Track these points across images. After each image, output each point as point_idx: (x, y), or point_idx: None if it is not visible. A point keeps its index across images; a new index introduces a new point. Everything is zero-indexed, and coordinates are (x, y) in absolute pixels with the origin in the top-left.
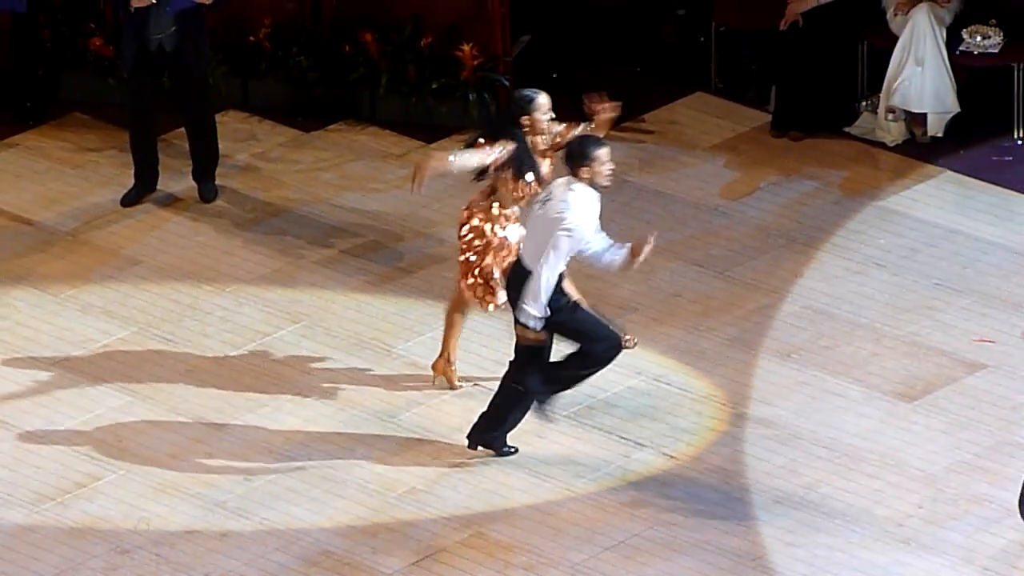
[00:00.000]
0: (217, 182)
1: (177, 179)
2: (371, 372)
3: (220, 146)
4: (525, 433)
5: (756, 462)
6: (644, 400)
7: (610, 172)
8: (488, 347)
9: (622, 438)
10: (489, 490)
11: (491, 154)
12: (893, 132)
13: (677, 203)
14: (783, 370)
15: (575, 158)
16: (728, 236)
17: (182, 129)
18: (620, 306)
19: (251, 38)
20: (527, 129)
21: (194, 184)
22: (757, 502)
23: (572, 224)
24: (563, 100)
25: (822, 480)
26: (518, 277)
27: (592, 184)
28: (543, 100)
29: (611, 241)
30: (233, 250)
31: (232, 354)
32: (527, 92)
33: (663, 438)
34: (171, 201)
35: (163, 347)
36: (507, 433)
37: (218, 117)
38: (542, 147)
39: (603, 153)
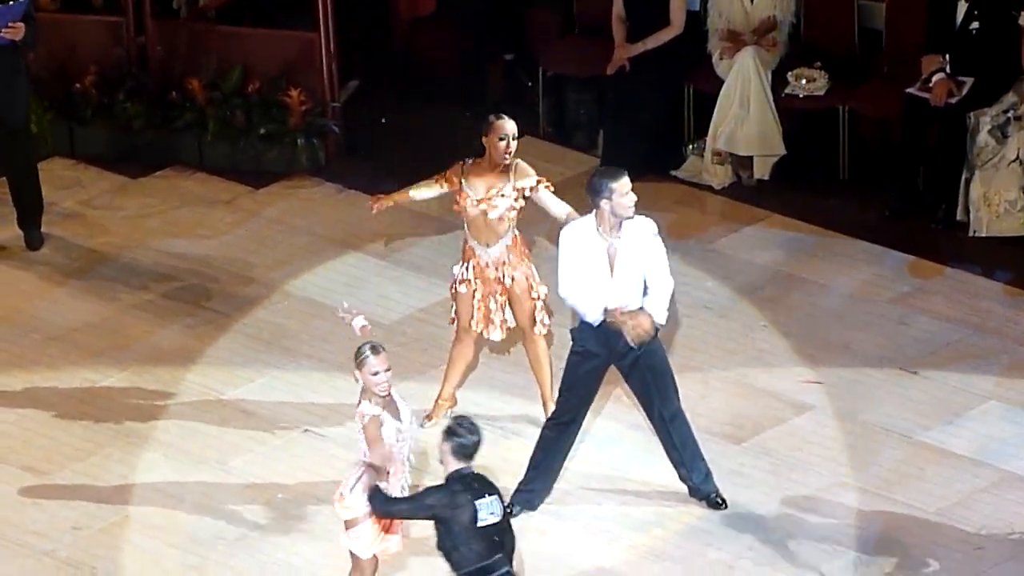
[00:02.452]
0: (43, 230)
1: (1, 226)
2: (201, 419)
3: (45, 193)
4: None
5: (586, 505)
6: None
7: (631, 203)
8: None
9: None
10: (322, 538)
11: (444, 183)
12: (719, 175)
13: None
14: (599, 412)
15: (593, 192)
16: (555, 279)
17: (4, 177)
18: None
19: (77, 85)
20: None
21: (19, 232)
22: (591, 543)
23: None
24: (392, 145)
25: (652, 522)
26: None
27: (615, 215)
28: (503, 123)
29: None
30: (59, 298)
31: (60, 403)
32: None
33: None
34: None
35: None
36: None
37: (44, 164)
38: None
39: (620, 184)
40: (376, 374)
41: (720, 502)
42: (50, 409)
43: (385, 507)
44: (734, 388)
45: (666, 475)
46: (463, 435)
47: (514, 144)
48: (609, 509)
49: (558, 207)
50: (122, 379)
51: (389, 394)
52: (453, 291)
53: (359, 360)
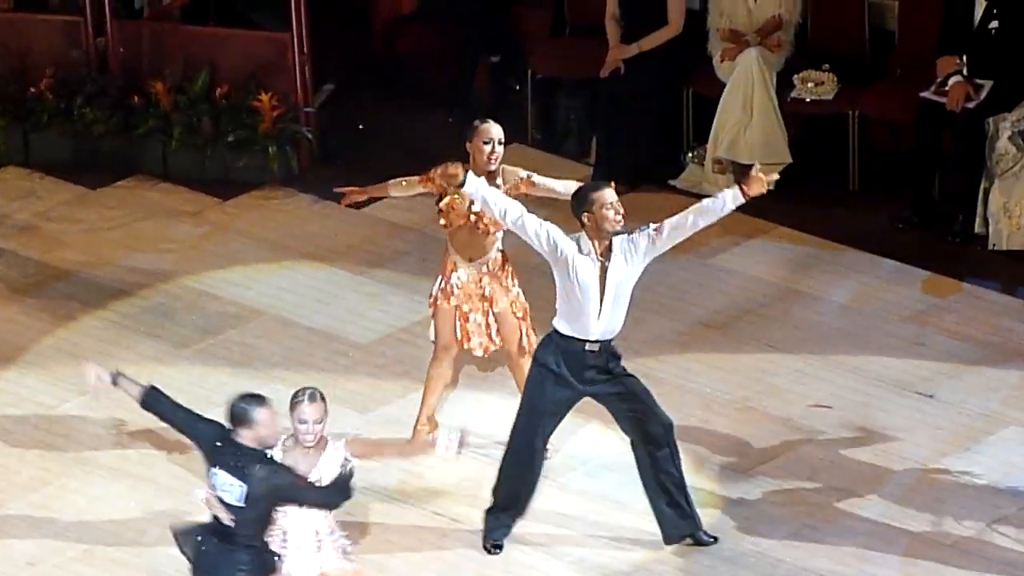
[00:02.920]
0: None
1: None
2: (165, 446)
3: None
4: None
5: (585, 538)
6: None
7: (616, 217)
8: None
9: None
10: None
11: (429, 185)
12: (721, 185)
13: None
14: (612, 439)
15: (577, 203)
16: (545, 296)
17: None
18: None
19: (32, 89)
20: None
21: None
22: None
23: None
24: (369, 153)
25: (651, 557)
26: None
27: (600, 230)
28: (487, 127)
29: None
30: (13, 317)
31: (13, 429)
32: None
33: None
34: None
35: None
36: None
37: None
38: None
39: (602, 195)
40: (303, 423)
41: (709, 538)
42: (3, 436)
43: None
44: (737, 413)
45: None
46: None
47: (500, 149)
48: (604, 544)
49: (561, 185)
50: (81, 404)
51: (313, 446)
52: (433, 307)
53: (292, 402)
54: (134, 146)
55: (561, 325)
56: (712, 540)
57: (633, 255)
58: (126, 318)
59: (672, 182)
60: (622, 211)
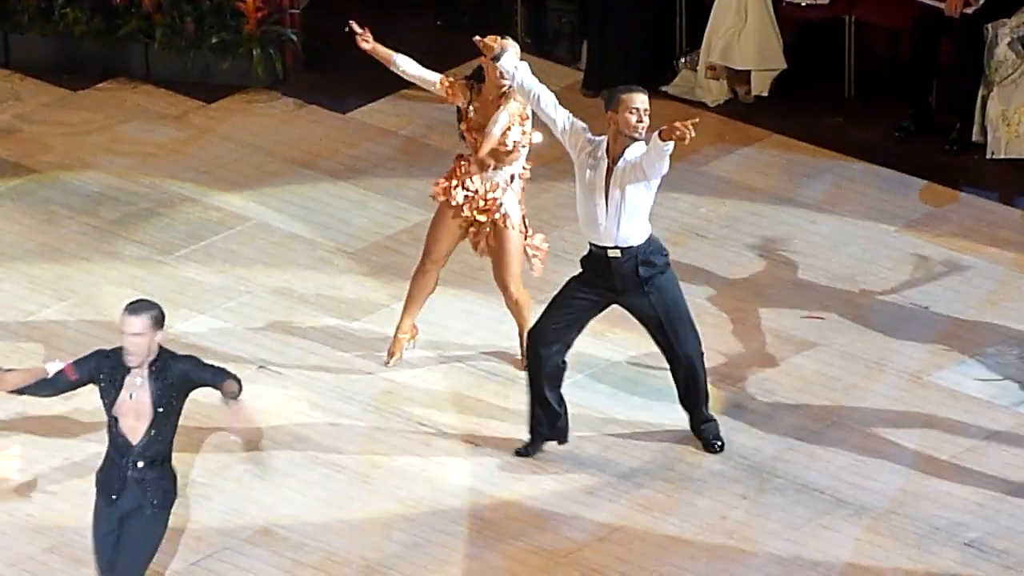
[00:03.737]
0: None
1: None
2: None
3: None
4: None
5: (573, 452)
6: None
7: (637, 123)
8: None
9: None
10: (278, 483)
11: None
12: (714, 91)
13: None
14: (592, 350)
15: (606, 101)
16: (534, 204)
17: None
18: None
19: None
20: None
21: None
22: (566, 490)
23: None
24: (357, 56)
25: (639, 469)
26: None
27: (620, 132)
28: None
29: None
30: None
31: None
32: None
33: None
34: None
35: None
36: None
37: None
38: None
39: (630, 98)
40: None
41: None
42: None
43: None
44: (729, 324)
45: (653, 416)
46: (156, 306)
47: (647, 120)
48: (592, 456)
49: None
50: (61, 310)
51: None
52: (439, 211)
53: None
54: (116, 48)
55: (584, 231)
56: (718, 447)
57: (637, 152)
58: (108, 223)
59: (664, 88)
60: (646, 120)
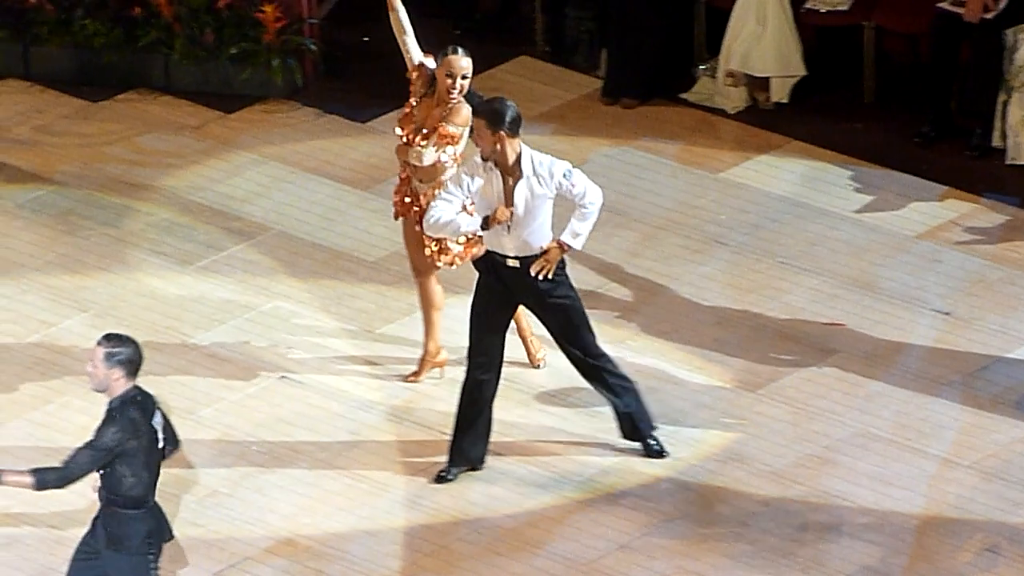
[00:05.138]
0: None
1: None
2: (167, 364)
3: None
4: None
5: (588, 457)
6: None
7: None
8: None
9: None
10: (300, 493)
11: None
12: (733, 98)
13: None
14: (618, 356)
15: (493, 123)
16: (554, 212)
17: None
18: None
19: (31, 0)
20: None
21: None
22: (587, 499)
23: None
24: (376, 66)
25: (660, 476)
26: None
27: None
28: (453, 59)
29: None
30: (13, 232)
31: (15, 346)
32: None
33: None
34: None
35: None
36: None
37: None
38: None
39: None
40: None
41: (659, 451)
42: (3, 353)
43: (50, 482)
44: (750, 330)
45: (674, 426)
46: (126, 348)
47: (462, 84)
48: (614, 465)
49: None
50: (82, 321)
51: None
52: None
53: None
54: (135, 59)
55: (485, 237)
56: (662, 452)
57: (546, 182)
58: (128, 234)
59: (683, 95)
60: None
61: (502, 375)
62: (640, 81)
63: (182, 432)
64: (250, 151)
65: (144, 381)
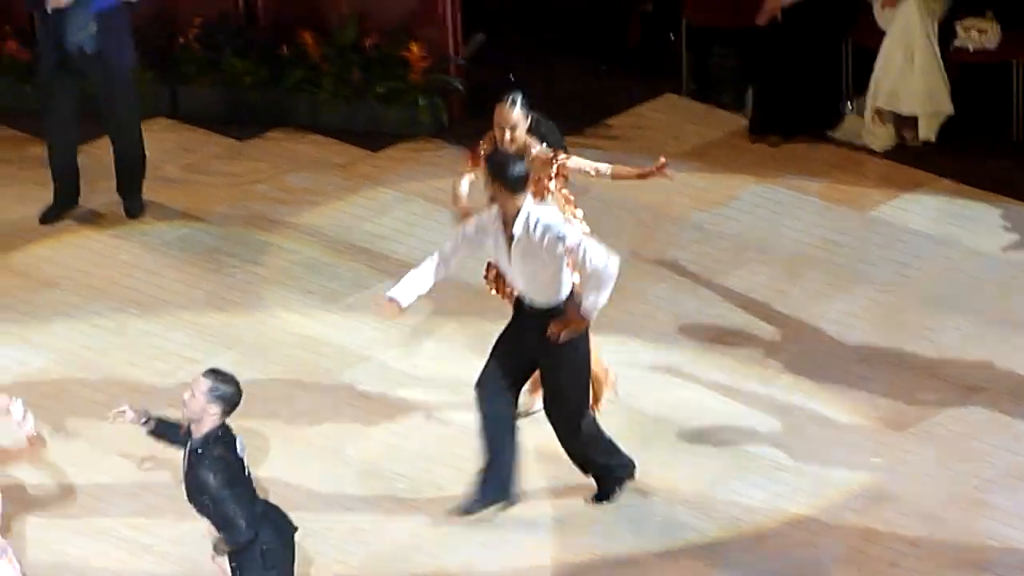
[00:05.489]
0: (144, 196)
1: (100, 193)
2: (313, 402)
3: (147, 157)
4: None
5: (733, 495)
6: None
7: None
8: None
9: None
10: (445, 531)
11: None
12: (881, 136)
13: (645, 213)
14: (765, 394)
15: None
16: (700, 250)
17: (105, 139)
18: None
19: (180, 40)
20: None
21: (119, 199)
22: (732, 539)
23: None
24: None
25: (807, 516)
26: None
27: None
28: (500, 110)
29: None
30: (161, 270)
31: (161, 384)
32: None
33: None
34: (93, 217)
35: (85, 376)
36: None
37: (145, 125)
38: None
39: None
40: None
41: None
42: (150, 392)
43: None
44: (895, 368)
45: (699, 445)
46: (229, 386)
47: (513, 135)
48: (753, 503)
49: (591, 165)
50: (227, 359)
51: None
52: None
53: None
54: (283, 97)
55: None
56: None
57: (539, 243)
58: (275, 272)
59: (830, 133)
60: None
61: None
62: (787, 119)
63: (328, 469)
64: (396, 189)
65: (291, 418)
